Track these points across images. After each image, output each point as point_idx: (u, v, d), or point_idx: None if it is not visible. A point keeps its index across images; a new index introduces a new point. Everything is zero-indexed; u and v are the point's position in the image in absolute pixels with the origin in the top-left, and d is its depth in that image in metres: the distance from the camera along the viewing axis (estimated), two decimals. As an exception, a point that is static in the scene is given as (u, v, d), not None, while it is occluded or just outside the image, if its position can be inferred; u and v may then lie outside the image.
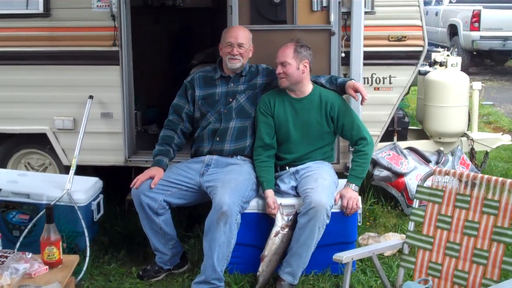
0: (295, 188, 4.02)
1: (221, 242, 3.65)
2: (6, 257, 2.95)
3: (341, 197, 3.91)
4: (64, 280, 2.92)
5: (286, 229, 3.79)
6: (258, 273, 3.85)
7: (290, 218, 3.80)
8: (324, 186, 3.83)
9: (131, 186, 3.93)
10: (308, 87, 4.06)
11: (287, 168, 4.08)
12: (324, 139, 4.08)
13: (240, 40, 4.02)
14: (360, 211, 4.06)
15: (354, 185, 3.95)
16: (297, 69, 3.95)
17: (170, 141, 4.10)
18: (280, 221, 3.79)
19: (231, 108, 4.08)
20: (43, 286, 2.72)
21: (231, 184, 3.79)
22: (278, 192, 4.03)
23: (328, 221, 3.75)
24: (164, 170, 3.99)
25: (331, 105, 4.01)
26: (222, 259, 3.69)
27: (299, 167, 4.05)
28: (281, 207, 3.83)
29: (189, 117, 4.17)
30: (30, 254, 3.02)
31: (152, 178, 3.90)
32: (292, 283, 3.80)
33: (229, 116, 4.08)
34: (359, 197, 4.09)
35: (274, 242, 3.81)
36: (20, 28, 4.62)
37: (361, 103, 4.02)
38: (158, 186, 3.89)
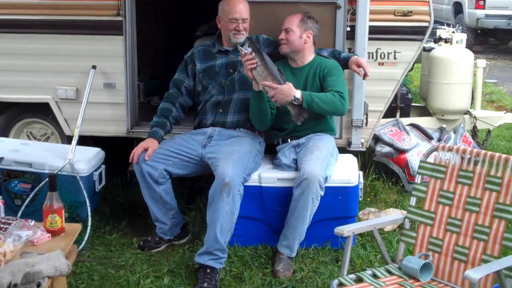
0: (296, 161, 4.01)
1: (224, 212, 3.65)
2: (9, 224, 2.95)
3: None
4: (66, 248, 2.92)
5: (254, 54, 3.67)
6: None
7: (247, 47, 3.69)
8: (319, 158, 3.83)
9: (130, 161, 3.93)
10: (309, 58, 4.07)
11: (289, 140, 4.09)
12: None
13: (244, 15, 4.01)
14: (361, 186, 4.07)
15: (300, 92, 3.80)
16: (299, 37, 3.98)
17: (168, 113, 4.09)
18: (245, 55, 3.68)
19: (234, 79, 4.07)
20: (46, 254, 2.71)
21: (234, 156, 3.79)
22: (280, 166, 4.03)
23: (322, 193, 3.75)
24: (159, 142, 3.99)
25: (324, 67, 4.00)
26: (225, 230, 3.69)
27: (300, 140, 4.04)
28: (239, 47, 3.74)
29: (188, 91, 4.15)
30: (33, 222, 3.02)
31: (146, 149, 3.90)
32: (289, 256, 3.82)
33: (232, 88, 4.07)
34: (360, 172, 4.10)
35: (258, 72, 3.71)
36: (22, -5, 4.58)
37: (363, 78, 4.04)
38: (159, 156, 3.90)
